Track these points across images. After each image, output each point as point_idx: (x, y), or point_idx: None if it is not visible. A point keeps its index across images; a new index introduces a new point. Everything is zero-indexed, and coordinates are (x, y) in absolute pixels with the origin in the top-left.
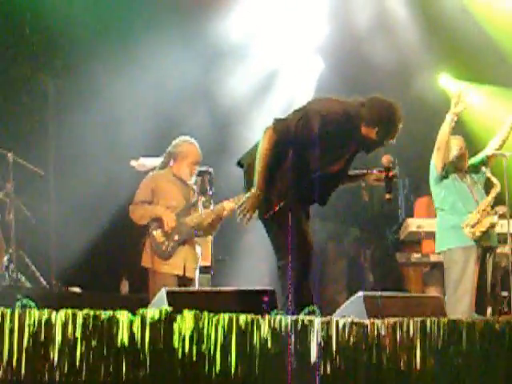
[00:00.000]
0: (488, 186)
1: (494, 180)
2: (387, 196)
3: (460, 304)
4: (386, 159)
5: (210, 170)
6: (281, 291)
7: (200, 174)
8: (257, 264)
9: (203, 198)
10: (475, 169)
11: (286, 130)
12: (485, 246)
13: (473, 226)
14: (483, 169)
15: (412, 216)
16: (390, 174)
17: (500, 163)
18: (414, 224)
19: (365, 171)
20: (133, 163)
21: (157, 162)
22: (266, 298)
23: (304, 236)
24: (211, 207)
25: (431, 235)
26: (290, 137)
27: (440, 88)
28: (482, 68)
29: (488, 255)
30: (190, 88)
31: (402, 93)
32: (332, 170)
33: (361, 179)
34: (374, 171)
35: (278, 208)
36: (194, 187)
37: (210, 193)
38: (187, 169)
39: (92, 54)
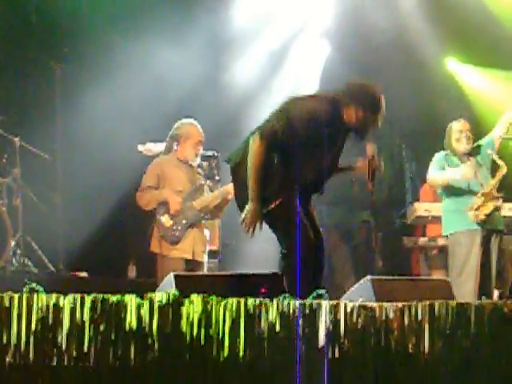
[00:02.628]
0: (494, 168)
1: (500, 162)
2: (369, 184)
3: (464, 287)
4: (369, 147)
5: (217, 154)
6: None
7: (206, 158)
8: (265, 247)
9: (210, 183)
10: (480, 151)
11: (273, 135)
12: (489, 229)
13: (476, 209)
14: (488, 151)
15: (418, 200)
16: (373, 162)
17: (508, 147)
18: (421, 208)
19: (350, 164)
20: (140, 148)
21: (163, 146)
22: (263, 291)
23: (303, 230)
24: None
25: (438, 219)
26: (277, 142)
27: (447, 71)
28: (490, 52)
29: (493, 238)
30: (196, 73)
31: (408, 74)
32: (321, 166)
33: (348, 170)
34: (360, 161)
35: (274, 206)
36: (199, 170)
37: (217, 177)
38: (191, 150)
39: (99, 40)
